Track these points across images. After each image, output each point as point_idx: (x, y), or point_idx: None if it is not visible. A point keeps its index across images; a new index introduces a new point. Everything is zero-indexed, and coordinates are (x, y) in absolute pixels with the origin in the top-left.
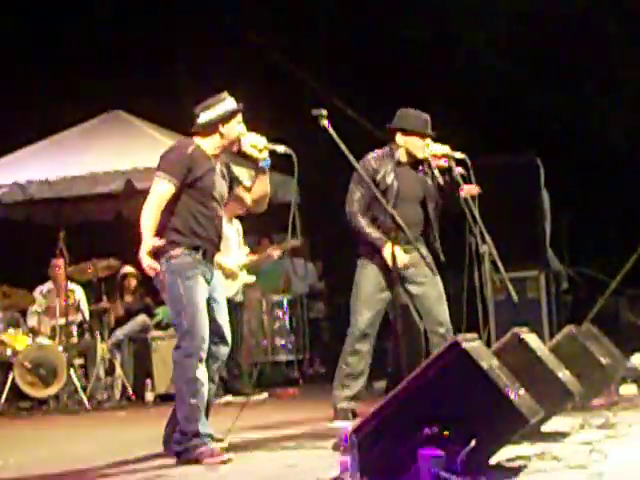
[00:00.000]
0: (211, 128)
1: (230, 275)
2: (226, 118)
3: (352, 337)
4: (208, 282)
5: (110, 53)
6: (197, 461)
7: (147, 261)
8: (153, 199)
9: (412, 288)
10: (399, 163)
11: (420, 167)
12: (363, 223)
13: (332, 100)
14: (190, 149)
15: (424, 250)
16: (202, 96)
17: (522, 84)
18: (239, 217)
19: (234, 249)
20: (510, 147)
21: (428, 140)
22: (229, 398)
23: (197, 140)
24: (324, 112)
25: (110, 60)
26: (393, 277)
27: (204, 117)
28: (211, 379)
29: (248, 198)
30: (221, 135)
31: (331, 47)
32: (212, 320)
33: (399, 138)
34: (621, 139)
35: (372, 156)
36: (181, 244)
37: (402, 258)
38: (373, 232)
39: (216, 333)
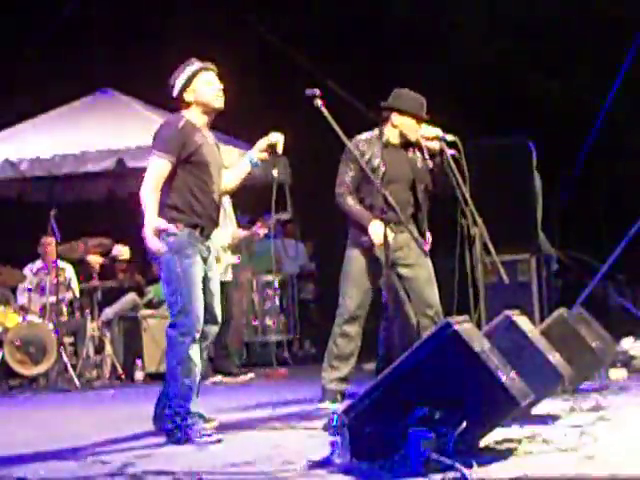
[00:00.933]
0: (180, 100)
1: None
2: (187, 83)
3: (341, 319)
4: (205, 260)
5: (104, 31)
6: (187, 440)
7: (154, 243)
8: (150, 178)
9: (402, 270)
10: (387, 145)
11: (410, 149)
12: (351, 202)
13: (325, 81)
14: (181, 124)
15: (415, 231)
16: None
17: (515, 66)
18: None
19: (219, 229)
20: (502, 130)
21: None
22: (217, 378)
23: (185, 114)
24: (317, 92)
25: (103, 38)
26: (382, 259)
27: (174, 92)
28: (200, 358)
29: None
30: (189, 104)
31: (326, 28)
32: (204, 299)
33: (395, 118)
34: (615, 124)
35: (360, 139)
36: (179, 221)
37: (384, 236)
38: (361, 210)
39: (207, 312)
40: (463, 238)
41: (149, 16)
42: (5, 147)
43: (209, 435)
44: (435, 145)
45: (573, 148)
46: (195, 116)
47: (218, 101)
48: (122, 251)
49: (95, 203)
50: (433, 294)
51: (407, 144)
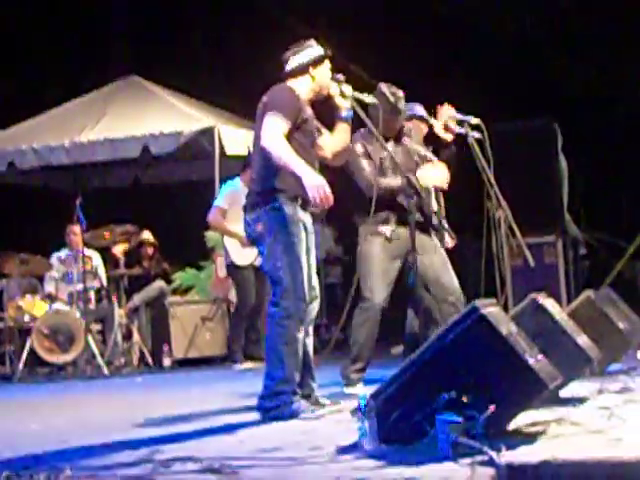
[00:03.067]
0: (303, 71)
1: (246, 243)
2: (317, 61)
3: (366, 312)
4: (308, 234)
5: (127, 20)
6: (291, 417)
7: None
8: (277, 133)
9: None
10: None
11: (404, 138)
12: (382, 179)
13: (350, 67)
14: (297, 92)
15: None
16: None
17: (539, 48)
18: None
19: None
20: (527, 112)
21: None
22: (249, 364)
23: (292, 84)
24: (342, 78)
25: (127, 27)
26: (400, 245)
27: (296, 60)
28: (307, 333)
29: (327, 151)
30: (312, 78)
31: (350, 14)
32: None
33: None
34: (637, 104)
35: (361, 133)
36: (283, 192)
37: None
38: (390, 178)
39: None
40: (489, 221)
41: (172, 5)
42: (30, 136)
43: (313, 411)
44: (448, 137)
45: (597, 129)
46: (302, 90)
47: (327, 89)
48: (148, 238)
49: (120, 190)
50: (451, 279)
51: (399, 136)
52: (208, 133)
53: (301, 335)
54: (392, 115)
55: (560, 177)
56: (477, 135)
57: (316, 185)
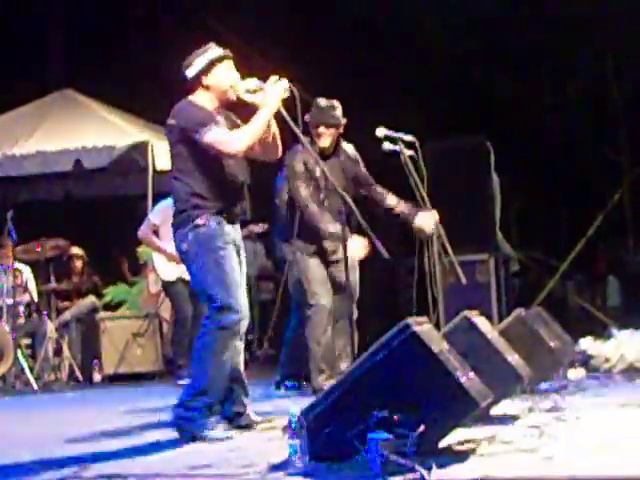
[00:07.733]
0: (197, 83)
1: (171, 259)
2: (207, 68)
3: (315, 316)
4: (238, 248)
5: (63, 33)
6: (196, 439)
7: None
8: (229, 135)
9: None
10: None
11: (337, 155)
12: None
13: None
14: (200, 104)
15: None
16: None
17: (474, 66)
18: None
19: None
20: (460, 131)
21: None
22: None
23: (193, 99)
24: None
25: (62, 40)
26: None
27: (189, 73)
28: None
29: (255, 148)
30: (207, 87)
31: (283, 28)
32: None
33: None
34: (573, 124)
35: (297, 152)
36: (205, 209)
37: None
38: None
39: None
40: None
41: (108, 18)
42: None
43: (222, 432)
44: None
45: (532, 149)
46: (207, 101)
47: (232, 92)
48: (77, 252)
49: (52, 204)
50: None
51: (333, 152)
52: (141, 148)
53: (231, 350)
54: (328, 126)
55: (492, 195)
56: (410, 152)
57: (278, 91)
